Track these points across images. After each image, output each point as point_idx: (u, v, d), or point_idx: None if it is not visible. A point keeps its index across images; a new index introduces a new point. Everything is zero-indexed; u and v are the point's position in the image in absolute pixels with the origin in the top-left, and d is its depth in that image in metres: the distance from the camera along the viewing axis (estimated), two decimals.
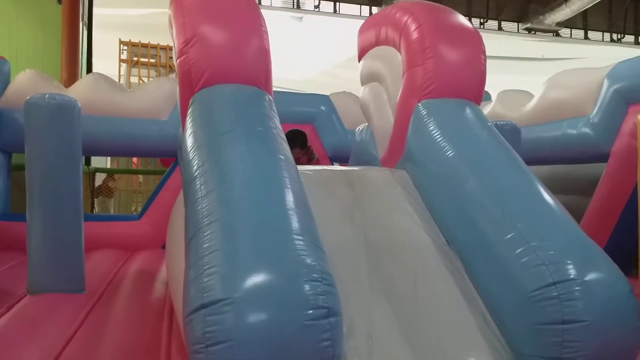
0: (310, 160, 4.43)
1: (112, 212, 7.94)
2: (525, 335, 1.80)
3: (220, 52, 2.48)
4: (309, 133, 5.63)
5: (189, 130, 2.31)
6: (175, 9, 2.66)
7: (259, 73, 2.53)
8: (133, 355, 2.19)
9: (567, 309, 1.70)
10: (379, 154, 3.30)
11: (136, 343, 2.32)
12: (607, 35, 13.30)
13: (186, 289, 1.65)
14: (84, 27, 8.56)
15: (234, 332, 1.46)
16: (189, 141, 2.24)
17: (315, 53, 13.79)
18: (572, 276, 1.76)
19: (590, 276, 1.77)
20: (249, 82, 2.49)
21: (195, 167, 2.07)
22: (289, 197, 1.91)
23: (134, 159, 9.57)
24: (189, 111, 2.43)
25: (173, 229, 2.56)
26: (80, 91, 4.82)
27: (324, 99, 5.81)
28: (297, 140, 4.49)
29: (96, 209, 7.54)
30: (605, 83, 3.89)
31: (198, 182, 1.99)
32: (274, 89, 2.70)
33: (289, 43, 12.90)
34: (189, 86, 2.50)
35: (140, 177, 9.20)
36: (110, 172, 7.93)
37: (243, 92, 2.44)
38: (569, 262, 1.80)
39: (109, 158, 9.22)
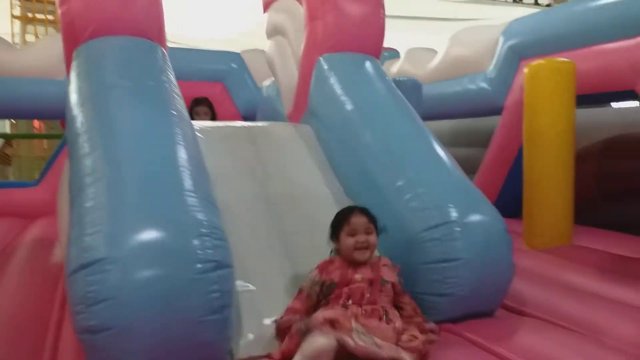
0: None
1: (10, 179, 7.39)
2: (414, 274, 1.92)
3: (107, 2, 2.32)
4: (220, 92, 5.49)
5: (72, 85, 2.17)
6: None
7: (150, 24, 2.40)
8: (22, 326, 2.08)
9: (447, 248, 1.84)
10: (285, 109, 3.28)
11: (27, 312, 2.20)
12: None
13: (68, 250, 1.59)
14: None
15: (116, 289, 1.42)
16: (73, 96, 2.11)
17: (238, 10, 13.26)
18: (452, 218, 1.88)
19: (470, 218, 1.91)
20: (140, 34, 2.36)
21: (79, 124, 1.96)
22: (181, 154, 1.86)
23: (35, 123, 8.88)
24: (73, 65, 2.27)
25: (62, 191, 2.43)
26: None
27: (235, 56, 5.65)
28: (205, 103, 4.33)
29: None
30: (501, 40, 4.09)
31: (81, 139, 1.88)
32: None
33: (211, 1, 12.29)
34: (73, 39, 2.34)
35: (45, 141, 8.58)
36: (5, 138, 7.32)
37: (133, 44, 2.31)
38: (451, 205, 1.93)
39: (7, 123, 8.50)
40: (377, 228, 1.86)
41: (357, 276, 1.77)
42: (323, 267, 1.83)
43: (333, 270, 1.81)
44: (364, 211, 1.88)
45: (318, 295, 1.78)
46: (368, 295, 1.74)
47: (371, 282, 1.76)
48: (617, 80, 3.20)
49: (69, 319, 2.03)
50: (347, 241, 1.82)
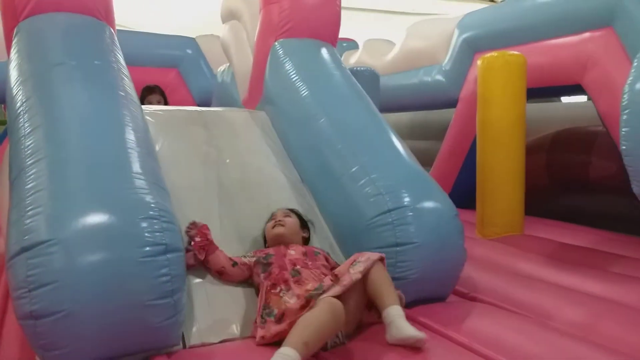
0: None
1: None
2: None
3: None
4: (174, 78, 5.36)
5: (13, 63, 2.06)
6: None
7: (96, 2, 2.30)
8: None
9: (400, 232, 1.85)
10: (240, 95, 3.23)
11: None
12: None
13: (8, 234, 1.50)
14: None
15: (60, 273, 1.36)
16: (13, 74, 2.00)
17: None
18: (405, 203, 1.90)
19: (422, 203, 1.94)
20: (85, 11, 2.26)
21: (19, 103, 1.85)
22: (129, 136, 1.79)
23: None
24: (14, 41, 2.16)
25: (3, 179, 2.30)
26: None
27: (190, 41, 5.52)
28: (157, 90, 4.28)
29: None
30: (456, 33, 4.15)
31: (22, 119, 1.78)
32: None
33: None
34: (13, 13, 2.21)
35: None
36: None
37: (78, 21, 2.21)
38: (404, 191, 1.94)
39: None
40: (302, 221, 2.05)
41: (291, 251, 1.88)
42: (257, 251, 1.96)
43: (267, 250, 1.94)
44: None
45: (255, 264, 1.85)
46: (309, 262, 1.83)
47: (305, 253, 1.88)
48: (564, 75, 3.31)
49: (12, 311, 1.93)
50: (268, 225, 2.02)
